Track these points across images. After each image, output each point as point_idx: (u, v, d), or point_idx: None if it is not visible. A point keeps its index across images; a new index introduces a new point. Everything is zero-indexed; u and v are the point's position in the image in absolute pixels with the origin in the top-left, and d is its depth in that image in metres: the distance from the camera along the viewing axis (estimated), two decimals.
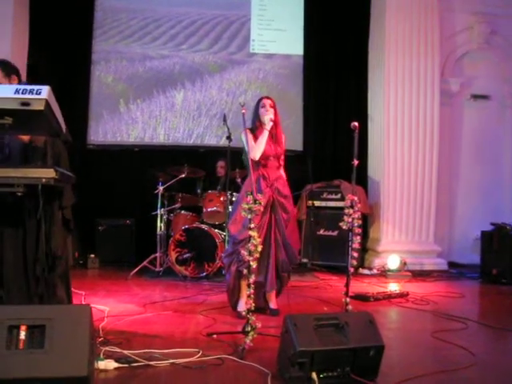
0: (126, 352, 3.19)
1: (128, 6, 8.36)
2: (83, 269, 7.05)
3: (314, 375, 2.73)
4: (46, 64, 7.52)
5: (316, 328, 2.83)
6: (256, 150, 4.49)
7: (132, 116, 8.14)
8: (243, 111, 3.95)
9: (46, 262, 3.34)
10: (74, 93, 7.75)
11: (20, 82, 3.54)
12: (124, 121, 8.12)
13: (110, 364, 2.98)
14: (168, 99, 8.26)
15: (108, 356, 3.09)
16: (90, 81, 8.14)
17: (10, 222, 3.36)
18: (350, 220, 3.99)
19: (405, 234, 7.64)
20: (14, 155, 3.39)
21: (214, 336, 3.77)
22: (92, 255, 7.20)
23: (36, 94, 2.57)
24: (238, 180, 6.72)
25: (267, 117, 4.53)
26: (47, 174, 2.70)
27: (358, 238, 4.32)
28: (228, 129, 6.25)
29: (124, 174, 7.88)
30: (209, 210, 6.77)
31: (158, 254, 6.78)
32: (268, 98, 4.69)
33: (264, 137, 4.52)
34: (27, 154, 3.36)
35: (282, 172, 4.70)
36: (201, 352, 3.27)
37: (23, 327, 2.45)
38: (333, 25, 8.44)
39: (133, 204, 7.75)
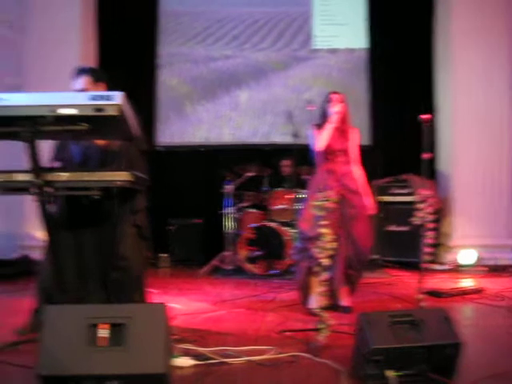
0: (201, 349, 3.24)
1: (190, 9, 8.50)
2: (155, 268, 7.22)
3: (389, 373, 2.69)
4: (113, 70, 7.72)
5: (390, 325, 2.78)
6: (320, 140, 4.46)
7: (198, 117, 8.27)
8: (310, 108, 3.94)
9: (117, 263, 3.45)
10: (141, 97, 7.93)
11: (108, 89, 3.66)
12: (190, 122, 8.27)
13: (186, 361, 3.03)
14: (232, 99, 8.34)
15: (184, 353, 3.15)
16: (155, 84, 8.33)
17: (88, 225, 3.49)
18: (422, 215, 3.92)
19: (478, 228, 7.39)
20: (92, 160, 3.54)
21: (287, 333, 3.78)
22: (163, 254, 7.36)
23: (110, 99, 2.64)
24: (305, 177, 6.70)
25: (332, 109, 4.50)
26: (122, 177, 2.78)
27: (431, 233, 4.22)
28: (293, 126, 6.24)
29: (192, 173, 8.02)
30: (276, 207, 6.79)
31: (227, 253, 6.86)
32: (336, 92, 4.64)
33: (328, 129, 4.48)
34: (104, 159, 3.49)
35: (352, 167, 4.64)
36: (274, 349, 3.29)
37: (104, 325, 2.53)
38: (396, 15, 8.27)
39: (202, 203, 7.87)
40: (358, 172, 4.64)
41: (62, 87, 6.88)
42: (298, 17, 8.53)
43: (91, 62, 7.76)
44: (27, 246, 6.99)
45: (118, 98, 2.65)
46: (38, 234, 6.94)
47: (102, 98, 2.65)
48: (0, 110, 2.74)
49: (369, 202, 4.60)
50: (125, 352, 2.49)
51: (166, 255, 7.40)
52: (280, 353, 3.25)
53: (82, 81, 3.64)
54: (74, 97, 2.78)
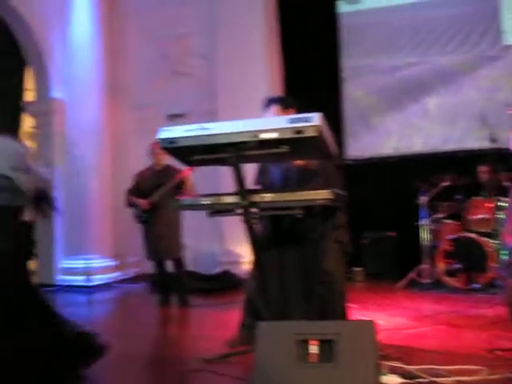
0: (408, 367, 3.17)
1: (370, 20, 8.44)
2: (350, 282, 7.21)
3: None
4: (299, 88, 7.95)
5: None
6: None
7: (386, 128, 8.16)
8: (510, 112, 3.70)
9: (322, 278, 3.51)
10: (328, 112, 8.00)
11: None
12: (378, 133, 8.18)
13: (394, 379, 2.98)
14: (420, 106, 8.10)
15: (391, 371, 3.09)
16: (341, 98, 8.39)
17: (291, 242, 3.61)
18: None
19: None
20: (291, 180, 3.67)
21: (498, 352, 3.54)
22: (357, 268, 7.34)
23: (308, 121, 2.71)
24: (506, 183, 6.27)
25: None
26: (324, 195, 2.83)
27: None
28: (490, 129, 5.89)
29: (383, 185, 7.91)
30: (475, 217, 6.43)
31: (424, 266, 6.65)
32: None
33: None
34: (303, 178, 3.60)
35: None
36: (486, 370, 3.10)
37: (314, 342, 2.59)
38: None
39: (395, 215, 7.71)
40: None
41: (253, 111, 7.28)
42: (484, 14, 8.03)
43: (277, 82, 8.07)
44: (227, 262, 7.40)
45: (316, 119, 2.71)
46: (237, 250, 7.36)
47: (300, 120, 2.73)
48: (207, 139, 2.95)
49: None
50: (335, 368, 2.52)
51: (359, 269, 7.37)
52: (492, 373, 3.06)
53: (272, 111, 3.79)
54: (274, 121, 2.91)
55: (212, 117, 7.62)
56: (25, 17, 7.54)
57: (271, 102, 3.85)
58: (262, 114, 3.85)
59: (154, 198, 5.80)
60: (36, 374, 3.00)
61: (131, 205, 5.98)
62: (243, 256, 7.01)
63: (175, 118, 8.50)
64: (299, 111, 3.80)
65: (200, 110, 8.45)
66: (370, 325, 2.61)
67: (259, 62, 7.99)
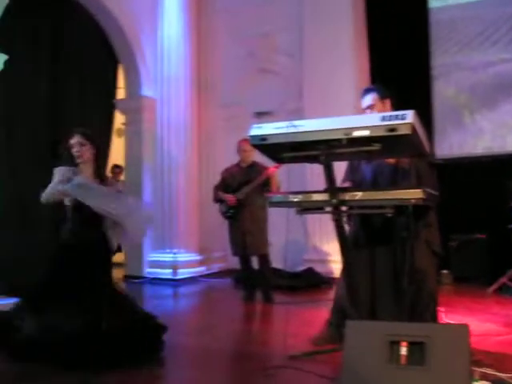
0: (500, 374, 3.06)
1: (462, 15, 8.16)
2: (437, 285, 7.01)
3: None
4: (388, 84, 7.80)
5: None
6: None
7: (478, 126, 7.87)
8: None
9: (411, 277, 3.44)
10: (417, 110, 7.83)
11: (393, 105, 3.75)
12: (470, 132, 7.91)
13: None
14: None
15: (482, 377, 3.00)
16: (431, 96, 8.17)
17: (381, 241, 3.57)
18: None
19: None
20: (382, 178, 3.62)
21: None
22: (445, 271, 7.13)
23: (401, 119, 2.67)
24: None
25: None
26: (416, 194, 2.78)
27: None
28: None
29: (474, 186, 7.62)
30: None
31: None
32: None
33: None
34: (394, 176, 3.54)
35: None
36: None
37: (404, 343, 2.54)
38: None
39: (486, 217, 7.43)
40: None
41: (340, 110, 7.25)
42: None
43: (365, 79, 7.97)
44: (311, 260, 7.39)
45: (409, 116, 2.66)
46: (323, 248, 7.33)
47: (393, 117, 2.69)
48: (298, 136, 2.96)
49: None
50: (426, 372, 2.46)
51: (447, 272, 7.16)
52: None
53: (369, 98, 3.78)
54: (366, 119, 2.88)
55: (298, 115, 7.62)
56: (117, 17, 7.82)
57: (368, 90, 3.85)
58: (359, 102, 3.87)
59: (241, 195, 5.87)
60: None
61: (218, 200, 6.08)
62: (329, 254, 6.98)
63: (262, 115, 8.57)
64: (395, 104, 3.78)
65: (286, 107, 8.49)
66: (463, 329, 2.53)
67: (346, 60, 7.92)
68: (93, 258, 3.84)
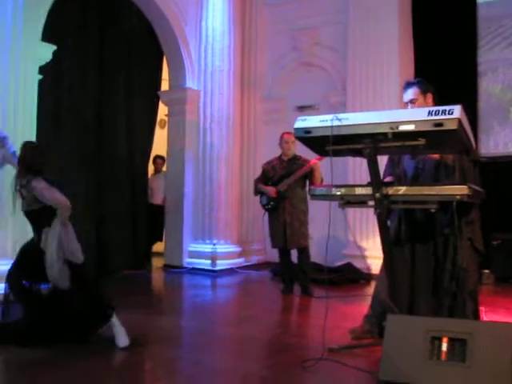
0: None
1: (510, 10, 7.97)
2: (478, 284, 6.91)
3: None
4: (433, 80, 7.70)
5: None
6: None
7: None
8: None
9: (453, 274, 3.42)
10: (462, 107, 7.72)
11: (434, 100, 3.72)
12: None
13: None
14: None
15: None
16: (477, 93, 8.03)
17: (421, 236, 3.55)
18: None
19: None
20: (425, 174, 3.59)
21: None
22: (486, 270, 7.02)
23: (448, 114, 2.65)
24: None
25: None
26: (461, 191, 2.76)
27: None
28: None
29: None
30: None
31: None
32: None
33: None
34: (436, 173, 3.51)
35: None
36: None
37: (445, 339, 2.54)
38: None
39: None
40: None
41: (382, 105, 7.19)
42: None
43: (409, 75, 7.86)
44: (351, 255, 7.36)
45: (457, 111, 2.65)
46: (362, 244, 7.31)
47: (440, 112, 2.67)
48: (343, 129, 2.97)
49: None
50: (467, 368, 2.46)
51: (488, 272, 7.04)
52: None
53: (411, 92, 3.74)
54: (412, 113, 2.87)
55: (341, 109, 7.59)
56: (162, 8, 7.89)
57: (410, 84, 3.81)
58: (394, 97, 3.82)
59: (283, 186, 5.89)
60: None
61: (259, 193, 6.11)
62: (368, 250, 6.95)
63: (304, 109, 8.57)
64: (437, 99, 3.74)
65: (329, 102, 8.47)
66: (507, 327, 2.51)
67: (391, 54, 7.84)
68: None
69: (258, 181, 6.16)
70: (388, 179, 3.71)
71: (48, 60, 6.20)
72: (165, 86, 8.89)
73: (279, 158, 6.14)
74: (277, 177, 5.98)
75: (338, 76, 8.49)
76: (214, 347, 3.95)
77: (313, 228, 6.11)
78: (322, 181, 5.79)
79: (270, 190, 5.92)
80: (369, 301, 4.07)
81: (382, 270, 3.77)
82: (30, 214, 3.95)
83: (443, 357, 2.52)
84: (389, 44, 7.87)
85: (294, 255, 6.15)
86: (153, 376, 3.36)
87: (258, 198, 6.22)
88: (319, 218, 6.09)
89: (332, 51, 8.64)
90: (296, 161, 5.99)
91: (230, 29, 8.50)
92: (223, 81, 8.37)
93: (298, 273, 6.04)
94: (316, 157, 5.21)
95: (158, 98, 8.63)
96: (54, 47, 6.23)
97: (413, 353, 2.57)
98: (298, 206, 5.90)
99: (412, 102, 3.70)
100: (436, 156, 3.49)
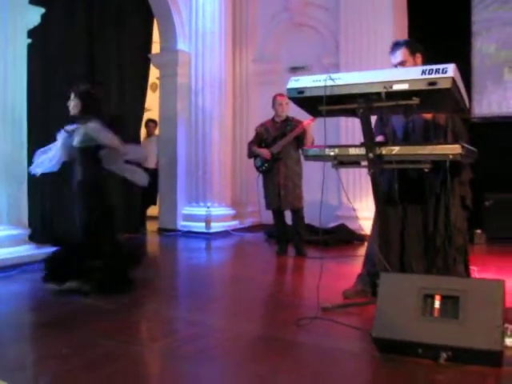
0: None
1: None
2: (470, 244, 6.98)
3: None
4: (425, 41, 7.62)
5: None
6: None
7: None
8: None
9: (444, 233, 3.45)
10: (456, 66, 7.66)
11: (423, 60, 3.66)
12: (510, 90, 7.71)
13: None
14: None
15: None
16: (470, 53, 7.97)
17: (413, 197, 3.57)
18: None
19: None
20: (416, 132, 3.58)
21: None
22: (478, 230, 7.09)
23: (442, 72, 2.64)
24: None
25: None
26: (454, 150, 2.77)
27: None
28: None
29: (511, 145, 7.50)
30: None
31: None
32: None
33: None
34: (428, 132, 3.50)
35: None
36: None
37: (438, 296, 2.57)
38: None
39: None
40: None
41: (376, 65, 7.12)
42: None
43: (403, 35, 7.78)
44: (344, 216, 7.40)
45: (450, 70, 2.63)
46: (355, 205, 7.33)
47: (434, 71, 2.66)
48: (336, 89, 2.95)
49: None
50: (458, 325, 2.50)
51: (480, 232, 7.10)
52: None
53: (400, 54, 3.64)
54: (406, 72, 2.85)
55: (334, 70, 7.51)
56: None
57: (398, 45, 3.68)
58: (389, 58, 3.73)
59: (276, 148, 5.88)
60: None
61: (253, 155, 6.10)
62: (361, 211, 6.99)
63: (297, 70, 8.49)
64: (426, 59, 3.68)
65: (322, 62, 8.38)
66: (499, 285, 2.55)
67: (384, 14, 7.74)
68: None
69: (251, 143, 6.15)
70: (379, 138, 3.69)
71: (36, 23, 6.09)
72: (156, 49, 8.77)
73: (272, 119, 6.11)
74: (270, 139, 5.97)
75: (331, 36, 8.39)
76: (210, 308, 3.99)
77: (306, 190, 6.13)
78: (313, 142, 5.77)
79: (264, 152, 5.92)
80: (362, 261, 4.12)
81: (373, 230, 3.80)
82: (82, 150, 4.40)
83: (436, 313, 2.57)
84: (382, 4, 7.77)
85: (288, 217, 6.19)
86: (150, 337, 3.41)
87: (251, 160, 6.22)
88: (312, 180, 6.10)
89: (324, 11, 8.52)
90: (289, 122, 5.97)
91: None
92: (215, 42, 8.25)
93: (292, 234, 6.09)
94: (309, 118, 5.19)
95: (149, 61, 8.53)
96: (43, 10, 6.12)
97: (406, 310, 2.61)
98: (292, 168, 5.91)
99: (401, 64, 3.57)
100: (428, 116, 3.47)
